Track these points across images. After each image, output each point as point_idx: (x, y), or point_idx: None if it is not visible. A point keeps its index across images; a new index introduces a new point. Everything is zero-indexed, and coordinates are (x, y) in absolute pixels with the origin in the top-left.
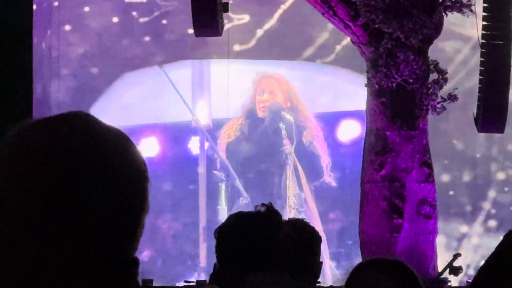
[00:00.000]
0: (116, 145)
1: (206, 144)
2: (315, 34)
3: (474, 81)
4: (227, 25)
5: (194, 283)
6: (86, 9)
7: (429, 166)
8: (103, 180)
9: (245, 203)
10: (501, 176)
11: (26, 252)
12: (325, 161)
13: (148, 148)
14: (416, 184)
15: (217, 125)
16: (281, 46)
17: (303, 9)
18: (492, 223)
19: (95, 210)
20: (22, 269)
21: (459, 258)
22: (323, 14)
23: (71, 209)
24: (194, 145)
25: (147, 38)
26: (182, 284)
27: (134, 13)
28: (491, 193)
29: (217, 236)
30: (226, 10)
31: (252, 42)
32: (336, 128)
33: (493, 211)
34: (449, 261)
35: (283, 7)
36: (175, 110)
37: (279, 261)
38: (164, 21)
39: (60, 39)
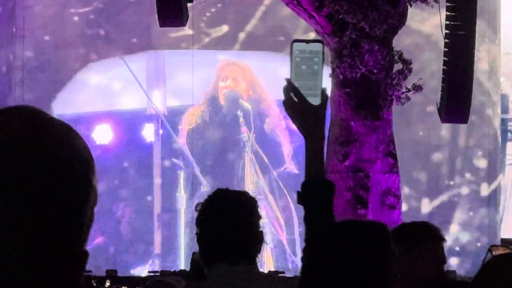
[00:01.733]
0: (58, 137)
1: (160, 132)
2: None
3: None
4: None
5: (158, 273)
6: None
7: (394, 156)
8: (45, 172)
9: (206, 191)
10: None
11: None
12: (287, 149)
13: (102, 135)
14: (381, 174)
15: (172, 113)
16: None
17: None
18: None
19: (37, 202)
20: None
21: None
22: (287, 4)
23: (12, 204)
24: (147, 132)
25: (114, 29)
26: (146, 274)
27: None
28: None
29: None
30: (191, 1)
31: (237, 46)
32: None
33: None
34: None
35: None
36: (128, 98)
37: (248, 251)
38: (129, 11)
39: (25, 23)
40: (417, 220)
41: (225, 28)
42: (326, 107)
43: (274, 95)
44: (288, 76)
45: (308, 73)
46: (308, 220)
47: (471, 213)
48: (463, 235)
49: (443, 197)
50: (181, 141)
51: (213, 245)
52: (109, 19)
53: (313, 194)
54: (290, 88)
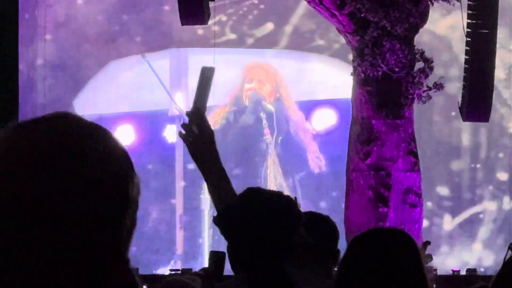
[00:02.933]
0: (96, 143)
1: None
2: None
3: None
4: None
5: (179, 271)
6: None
7: (415, 155)
8: (83, 179)
9: None
10: None
11: (12, 257)
12: (311, 151)
13: (124, 136)
14: (402, 173)
15: None
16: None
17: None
18: None
19: (76, 209)
20: (14, 274)
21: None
22: (309, 2)
23: (53, 211)
24: (169, 133)
25: (134, 26)
26: (167, 272)
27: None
28: None
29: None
30: None
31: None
32: (311, 117)
33: None
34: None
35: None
36: (151, 98)
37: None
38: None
39: (47, 21)
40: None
41: (269, 26)
42: (196, 116)
43: (299, 96)
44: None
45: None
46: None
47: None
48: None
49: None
50: None
51: (249, 246)
52: (131, 16)
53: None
54: (197, 116)
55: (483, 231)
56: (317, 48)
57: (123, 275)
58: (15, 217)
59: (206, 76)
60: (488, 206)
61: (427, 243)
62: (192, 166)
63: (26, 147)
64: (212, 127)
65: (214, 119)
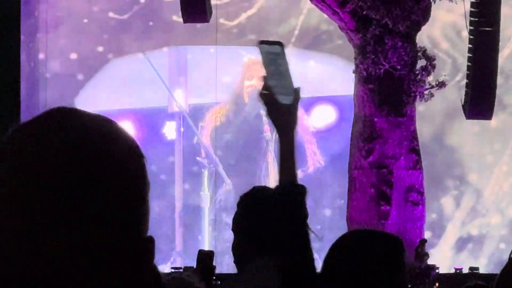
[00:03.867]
0: (103, 132)
1: (181, 129)
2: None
3: None
4: (214, 12)
5: (181, 269)
6: None
7: (417, 152)
8: (98, 167)
9: (228, 189)
10: None
11: (37, 248)
12: (310, 149)
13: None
14: (404, 171)
15: (193, 111)
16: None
17: None
18: None
19: (99, 197)
20: (35, 261)
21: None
22: (311, 0)
23: (74, 203)
24: (168, 130)
25: (135, 23)
26: (167, 270)
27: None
28: None
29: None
30: None
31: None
32: (310, 114)
33: None
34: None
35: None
36: (150, 95)
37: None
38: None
39: (49, 18)
40: None
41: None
42: (297, 107)
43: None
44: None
45: (278, 73)
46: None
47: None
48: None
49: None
50: (204, 139)
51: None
52: (133, 14)
53: (287, 198)
54: (266, 86)
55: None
56: (317, 45)
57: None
58: (41, 214)
59: (269, 52)
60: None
61: (424, 241)
62: (191, 164)
63: (34, 147)
64: (213, 124)
65: (215, 116)
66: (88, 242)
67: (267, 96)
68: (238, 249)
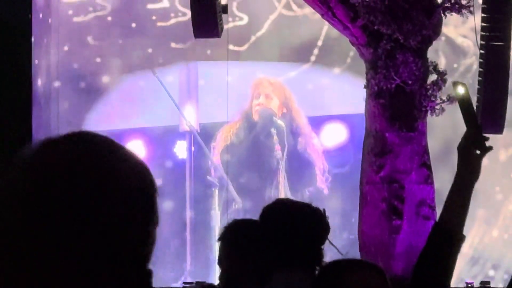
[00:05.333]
0: (120, 161)
1: (192, 148)
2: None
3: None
4: (226, 27)
5: (193, 284)
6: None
7: (428, 167)
8: (109, 195)
9: (238, 208)
10: None
11: (36, 265)
12: (320, 167)
13: (134, 151)
14: (415, 185)
15: (204, 130)
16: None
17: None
18: None
19: (103, 225)
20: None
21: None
22: (322, 15)
23: (80, 226)
24: (179, 149)
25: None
26: (181, 285)
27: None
28: None
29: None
30: (226, 12)
31: (246, 46)
32: (320, 132)
33: None
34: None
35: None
36: (160, 114)
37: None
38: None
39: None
40: None
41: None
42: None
43: (307, 112)
44: None
45: (473, 120)
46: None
47: None
48: None
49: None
50: (214, 158)
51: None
52: (145, 31)
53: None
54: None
55: None
56: (329, 62)
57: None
58: (53, 228)
59: (461, 95)
60: None
61: None
62: (202, 182)
63: (52, 166)
64: (224, 143)
65: (225, 135)
66: (88, 259)
67: (466, 147)
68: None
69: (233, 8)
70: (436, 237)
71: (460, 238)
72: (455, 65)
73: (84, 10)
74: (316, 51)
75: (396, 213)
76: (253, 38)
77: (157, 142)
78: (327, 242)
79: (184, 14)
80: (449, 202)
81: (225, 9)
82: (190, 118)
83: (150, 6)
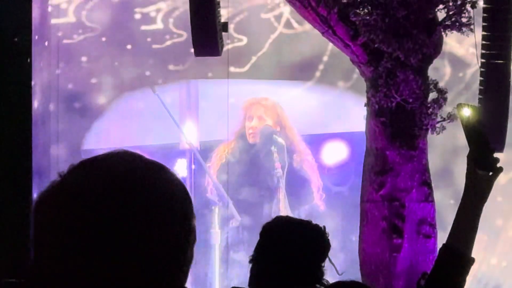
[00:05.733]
0: (158, 180)
1: (192, 167)
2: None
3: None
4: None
5: None
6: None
7: (429, 185)
8: (148, 215)
9: (236, 225)
10: None
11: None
12: (316, 184)
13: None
14: (416, 204)
15: (205, 148)
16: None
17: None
18: None
19: (142, 245)
20: None
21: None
22: (323, 33)
23: (118, 246)
24: (180, 167)
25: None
26: None
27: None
28: None
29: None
30: (226, 30)
31: (247, 66)
32: (321, 151)
33: None
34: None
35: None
36: (161, 132)
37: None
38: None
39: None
40: None
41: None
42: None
43: (308, 130)
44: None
45: (482, 141)
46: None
47: None
48: None
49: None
50: (214, 177)
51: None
52: (142, 48)
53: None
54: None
55: None
56: (331, 79)
57: None
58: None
59: (467, 117)
60: None
61: (426, 274)
62: (202, 201)
63: (90, 188)
64: (219, 162)
65: (220, 155)
66: (133, 276)
67: (468, 168)
68: (258, 277)
69: (231, 30)
70: (444, 258)
71: (469, 260)
72: (460, 74)
73: (77, 32)
74: (319, 68)
75: (396, 232)
76: (254, 59)
77: (158, 160)
78: (327, 260)
79: (179, 36)
80: (456, 224)
81: (225, 27)
82: (191, 136)
83: (144, 27)
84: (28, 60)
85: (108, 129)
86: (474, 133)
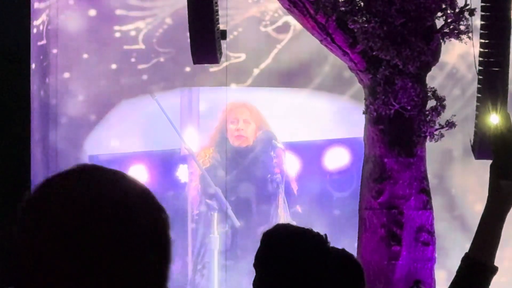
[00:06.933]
0: (130, 188)
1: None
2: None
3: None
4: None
5: None
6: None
7: (427, 193)
8: (130, 225)
9: (233, 229)
10: None
11: None
12: (294, 187)
13: (137, 176)
14: (414, 211)
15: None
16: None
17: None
18: None
19: (116, 262)
20: None
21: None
22: (321, 41)
23: (91, 266)
24: (182, 173)
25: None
26: None
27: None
28: None
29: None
30: (224, 38)
31: (249, 81)
32: (323, 157)
33: None
34: None
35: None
36: (163, 138)
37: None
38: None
39: (59, 85)
40: None
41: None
42: None
43: (310, 136)
44: None
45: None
46: None
47: None
48: None
49: None
50: (193, 184)
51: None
52: (142, 55)
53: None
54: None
55: None
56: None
57: None
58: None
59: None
60: None
61: (418, 282)
62: (202, 206)
63: (57, 202)
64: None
65: (202, 160)
66: None
67: (491, 176)
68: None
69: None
70: (466, 267)
71: (491, 269)
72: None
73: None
74: (320, 74)
75: (395, 239)
76: (256, 71)
77: (160, 166)
78: None
79: (166, 53)
80: (479, 232)
81: (223, 34)
82: (191, 142)
83: (126, 47)
84: (27, 68)
85: (107, 136)
86: (501, 141)
